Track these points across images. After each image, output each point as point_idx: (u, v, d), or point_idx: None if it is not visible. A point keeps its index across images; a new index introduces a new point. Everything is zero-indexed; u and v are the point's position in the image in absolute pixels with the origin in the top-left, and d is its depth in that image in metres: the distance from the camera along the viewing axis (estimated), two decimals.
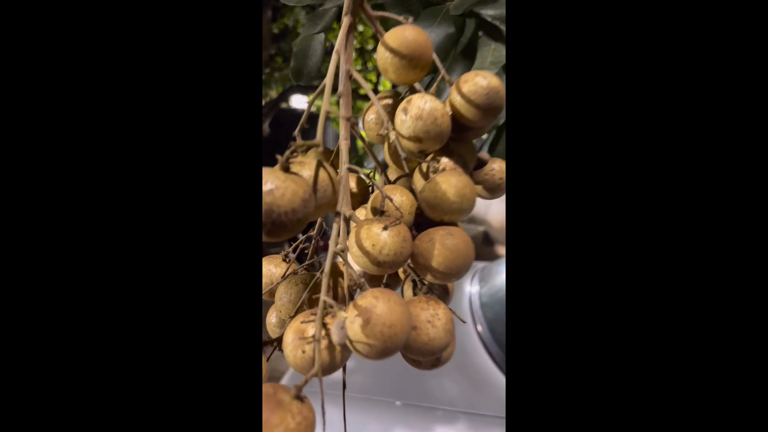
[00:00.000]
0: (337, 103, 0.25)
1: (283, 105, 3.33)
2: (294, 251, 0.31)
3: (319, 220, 0.30)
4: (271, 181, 0.19)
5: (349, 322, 0.20)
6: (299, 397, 0.19)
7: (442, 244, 0.23)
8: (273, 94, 3.20)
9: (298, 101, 3.45)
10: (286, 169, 0.19)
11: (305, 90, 3.31)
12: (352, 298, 0.26)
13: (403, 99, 0.27)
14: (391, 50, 0.25)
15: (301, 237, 0.31)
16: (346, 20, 0.26)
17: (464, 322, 0.26)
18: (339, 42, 0.25)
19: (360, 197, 0.33)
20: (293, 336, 0.22)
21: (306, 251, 0.32)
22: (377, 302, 0.20)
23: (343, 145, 0.26)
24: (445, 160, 0.27)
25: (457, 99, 0.25)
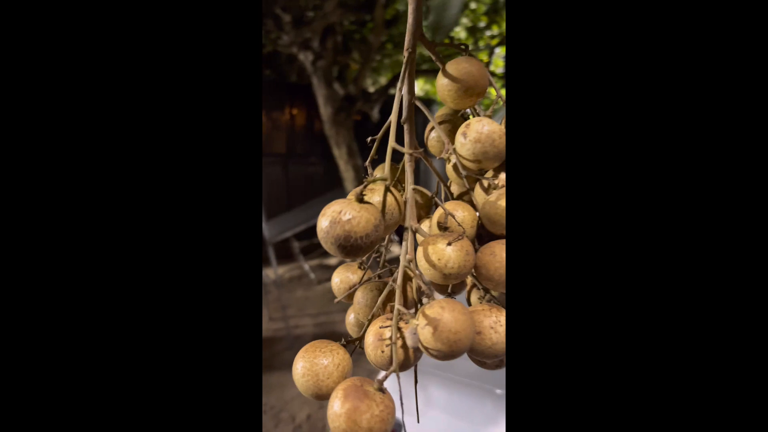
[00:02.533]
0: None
1: (392, 91, 3.39)
2: (368, 260, 0.35)
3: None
4: (349, 211, 0.22)
5: (420, 329, 0.23)
6: (381, 389, 0.23)
7: (502, 257, 0.25)
8: (383, 80, 3.23)
9: None
10: (360, 199, 0.23)
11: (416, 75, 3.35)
12: (420, 302, 0.29)
13: (463, 121, 0.29)
14: (449, 79, 0.27)
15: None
16: (407, 54, 0.28)
17: None
18: (402, 74, 0.28)
19: (426, 208, 0.36)
20: (373, 338, 0.26)
21: (378, 260, 0.36)
22: (443, 312, 0.23)
23: (408, 167, 0.29)
24: (503, 176, 0.29)
25: None
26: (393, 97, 0.29)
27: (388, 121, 0.27)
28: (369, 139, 0.27)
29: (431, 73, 3.40)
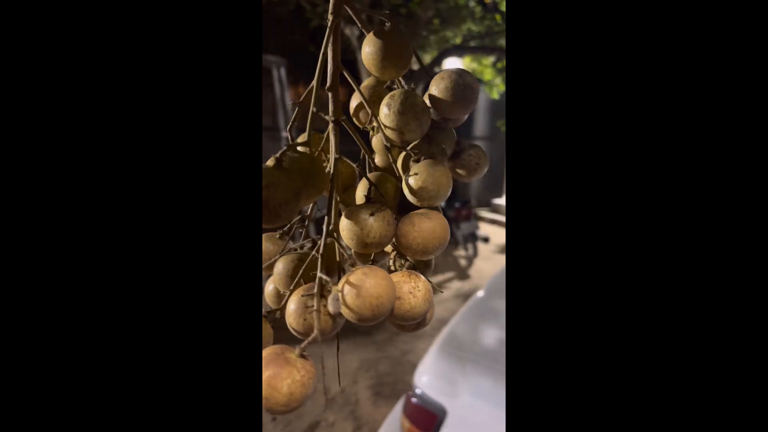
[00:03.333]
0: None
1: (437, 69, 3.15)
2: (289, 231, 0.35)
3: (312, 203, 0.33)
4: (267, 177, 0.22)
5: (344, 295, 0.24)
6: (303, 356, 0.23)
7: (420, 227, 0.27)
8: (427, 59, 3.01)
9: (452, 65, 3.21)
10: (279, 166, 0.22)
11: (461, 52, 3.15)
12: (344, 271, 0.30)
13: (390, 86, 0.30)
14: (372, 50, 0.27)
15: (297, 217, 0.34)
16: (332, 19, 0.27)
17: (441, 292, 0.30)
18: (326, 40, 0.27)
19: (349, 180, 0.36)
20: (296, 306, 0.25)
21: (300, 231, 0.35)
22: (366, 278, 0.24)
23: (332, 136, 0.29)
24: (424, 149, 0.30)
25: (435, 94, 0.28)
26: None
27: (311, 86, 0.26)
28: (291, 102, 0.26)
29: (480, 50, 3.28)
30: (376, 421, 1.50)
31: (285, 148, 0.23)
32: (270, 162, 0.23)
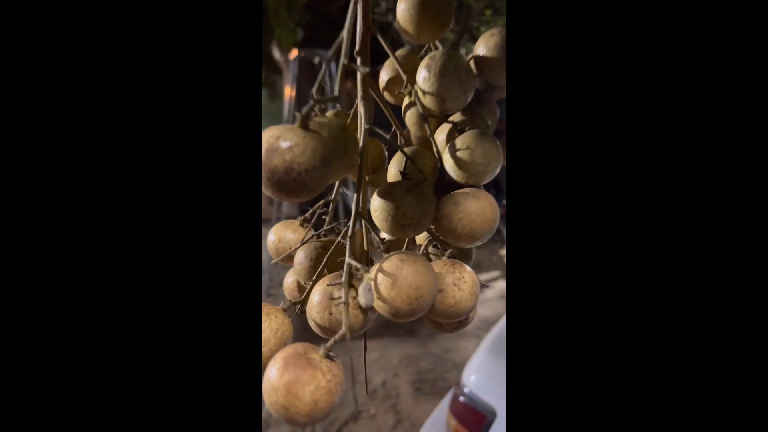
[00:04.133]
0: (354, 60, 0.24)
1: None
2: (311, 216, 0.31)
3: (336, 184, 0.29)
4: (290, 138, 0.18)
5: (376, 285, 0.20)
6: (329, 357, 0.19)
7: (466, 207, 0.22)
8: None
9: None
10: (305, 126, 0.19)
11: None
12: (372, 263, 0.26)
13: (425, 56, 0.26)
14: (408, 5, 0.23)
15: (320, 202, 0.30)
16: None
17: (487, 286, 0.25)
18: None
19: (378, 160, 0.32)
20: (320, 298, 0.22)
21: (324, 216, 0.32)
22: (403, 265, 0.20)
23: (362, 105, 0.25)
24: (467, 122, 0.26)
25: (483, 54, 0.24)
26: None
27: (339, 37, 0.22)
28: (317, 59, 0.22)
29: None
30: (416, 417, 1.46)
31: (312, 103, 0.19)
32: (296, 124, 0.20)
